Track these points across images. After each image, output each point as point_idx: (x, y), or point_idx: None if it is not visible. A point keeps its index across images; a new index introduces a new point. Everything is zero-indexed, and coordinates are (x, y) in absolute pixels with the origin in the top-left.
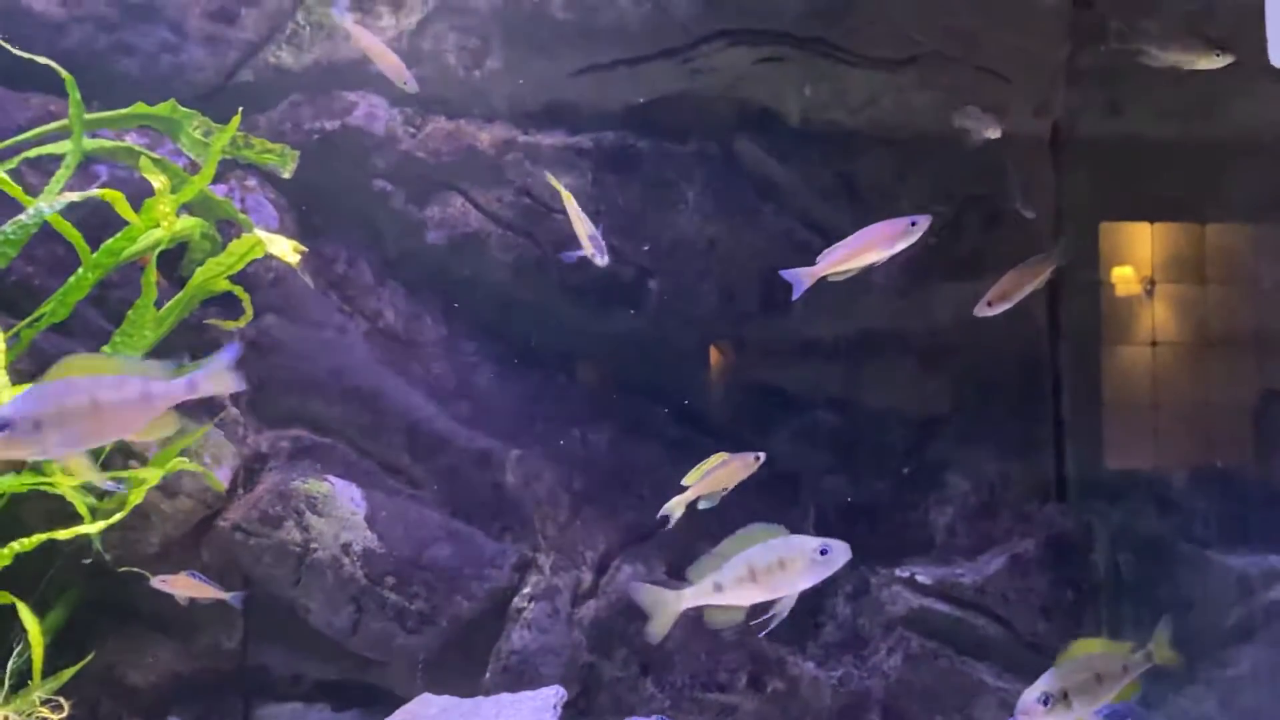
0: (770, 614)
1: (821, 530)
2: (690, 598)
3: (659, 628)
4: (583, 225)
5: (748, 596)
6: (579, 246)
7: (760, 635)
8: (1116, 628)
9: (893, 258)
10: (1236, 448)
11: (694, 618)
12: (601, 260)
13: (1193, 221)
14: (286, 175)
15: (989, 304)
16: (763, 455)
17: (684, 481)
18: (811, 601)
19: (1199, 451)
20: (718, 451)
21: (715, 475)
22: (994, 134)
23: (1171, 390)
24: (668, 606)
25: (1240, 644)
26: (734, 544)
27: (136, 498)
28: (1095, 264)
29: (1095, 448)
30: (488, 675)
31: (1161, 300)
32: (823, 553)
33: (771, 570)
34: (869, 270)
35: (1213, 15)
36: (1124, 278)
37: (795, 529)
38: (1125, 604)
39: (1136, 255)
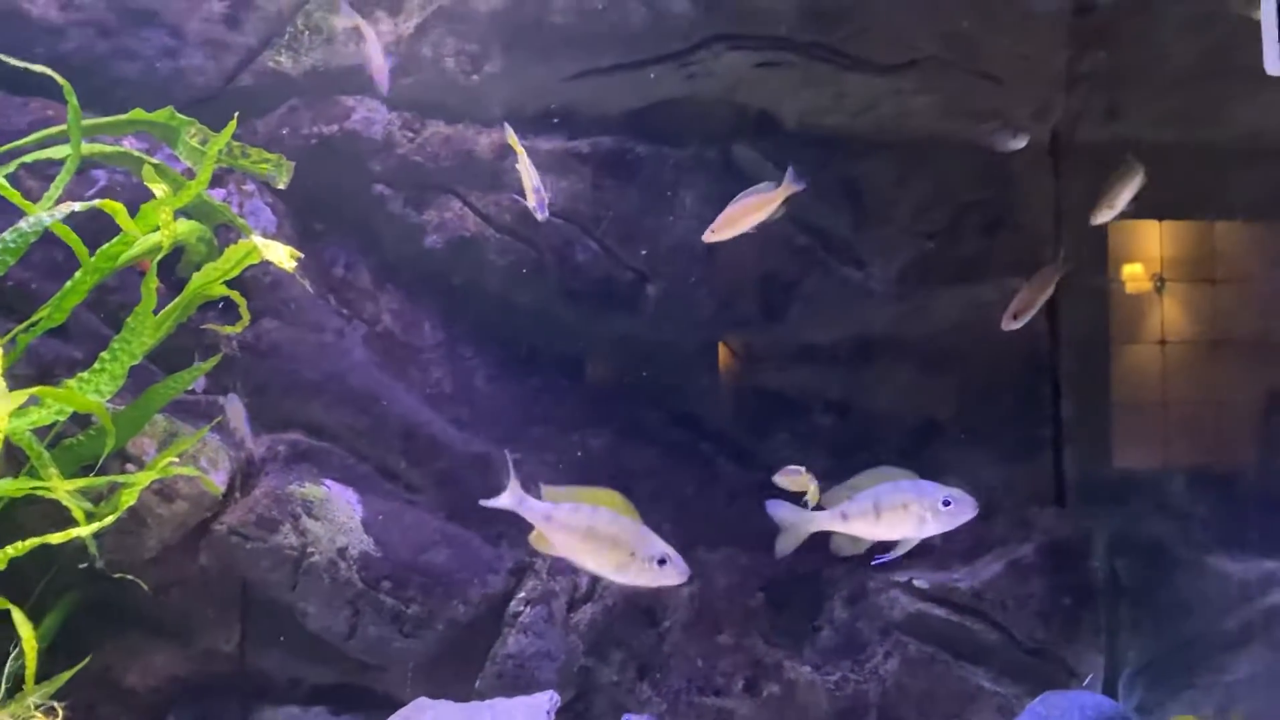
0: (891, 553)
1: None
2: (821, 521)
3: (787, 544)
4: (529, 178)
5: (870, 531)
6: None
7: (873, 565)
8: (1115, 633)
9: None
10: (1238, 451)
11: (690, 624)
12: (541, 215)
13: (1197, 220)
14: (282, 186)
15: (1014, 317)
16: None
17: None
18: (809, 605)
19: (1199, 455)
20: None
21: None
22: (1020, 144)
23: (1172, 394)
24: (799, 525)
25: (1238, 649)
26: (868, 478)
27: (129, 499)
28: (1094, 267)
29: (1094, 452)
30: (483, 680)
31: (1170, 299)
32: (945, 504)
33: (895, 510)
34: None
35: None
36: (1132, 275)
37: None
38: (1123, 609)
39: (1142, 255)
